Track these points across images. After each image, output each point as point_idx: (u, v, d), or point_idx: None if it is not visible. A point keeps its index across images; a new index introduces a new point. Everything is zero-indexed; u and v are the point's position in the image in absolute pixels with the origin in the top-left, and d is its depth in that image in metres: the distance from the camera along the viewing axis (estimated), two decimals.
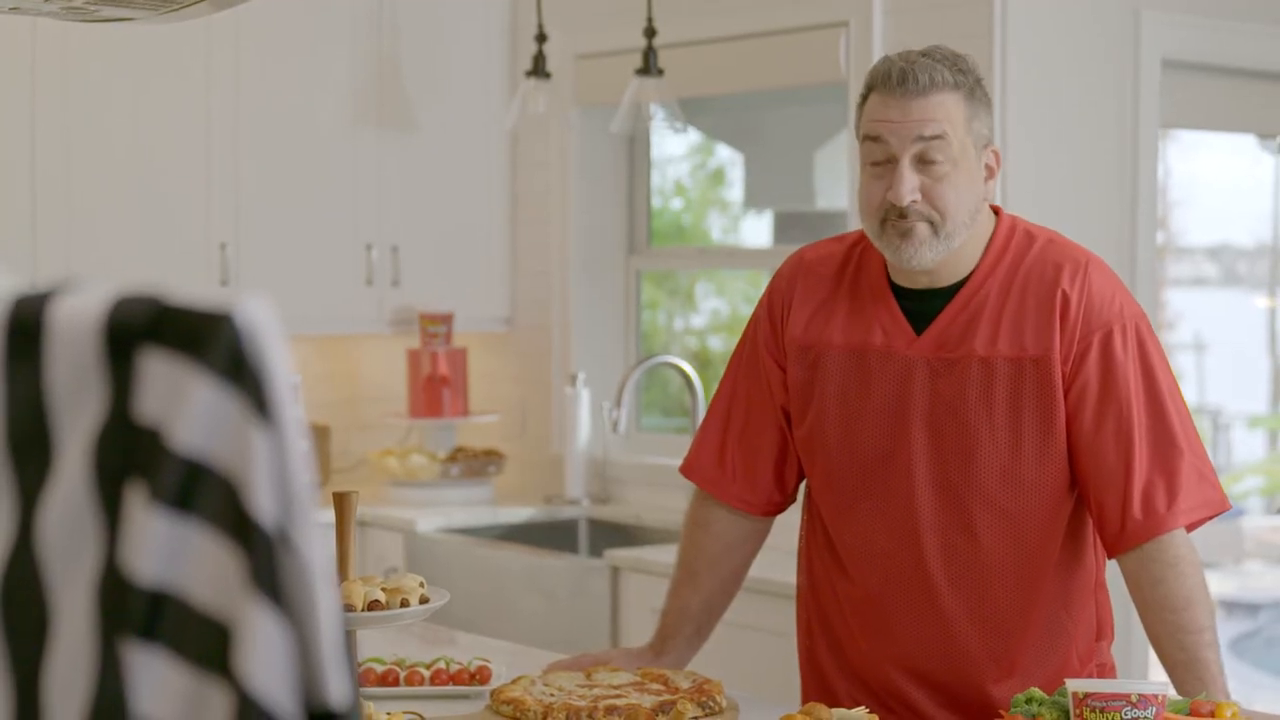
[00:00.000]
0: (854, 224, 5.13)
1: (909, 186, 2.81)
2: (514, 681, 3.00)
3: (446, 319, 6.06)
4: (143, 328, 1.07)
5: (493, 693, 2.97)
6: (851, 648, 3.04)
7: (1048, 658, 2.95)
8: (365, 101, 5.98)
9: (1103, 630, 3.02)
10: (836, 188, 5.72)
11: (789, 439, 3.10)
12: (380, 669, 3.17)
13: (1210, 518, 2.92)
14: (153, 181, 5.62)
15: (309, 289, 5.92)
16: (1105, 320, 2.87)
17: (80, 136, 5.48)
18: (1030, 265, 2.91)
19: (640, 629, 4.92)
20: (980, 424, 2.87)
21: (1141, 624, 2.89)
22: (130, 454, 1.07)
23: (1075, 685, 2.56)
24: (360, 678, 3.13)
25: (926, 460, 2.90)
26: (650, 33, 5.34)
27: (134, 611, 1.07)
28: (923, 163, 2.82)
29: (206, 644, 1.06)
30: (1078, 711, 2.54)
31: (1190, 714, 2.64)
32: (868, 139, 2.86)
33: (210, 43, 5.66)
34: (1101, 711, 2.52)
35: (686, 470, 3.25)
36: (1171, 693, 2.68)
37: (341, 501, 2.65)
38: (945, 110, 2.81)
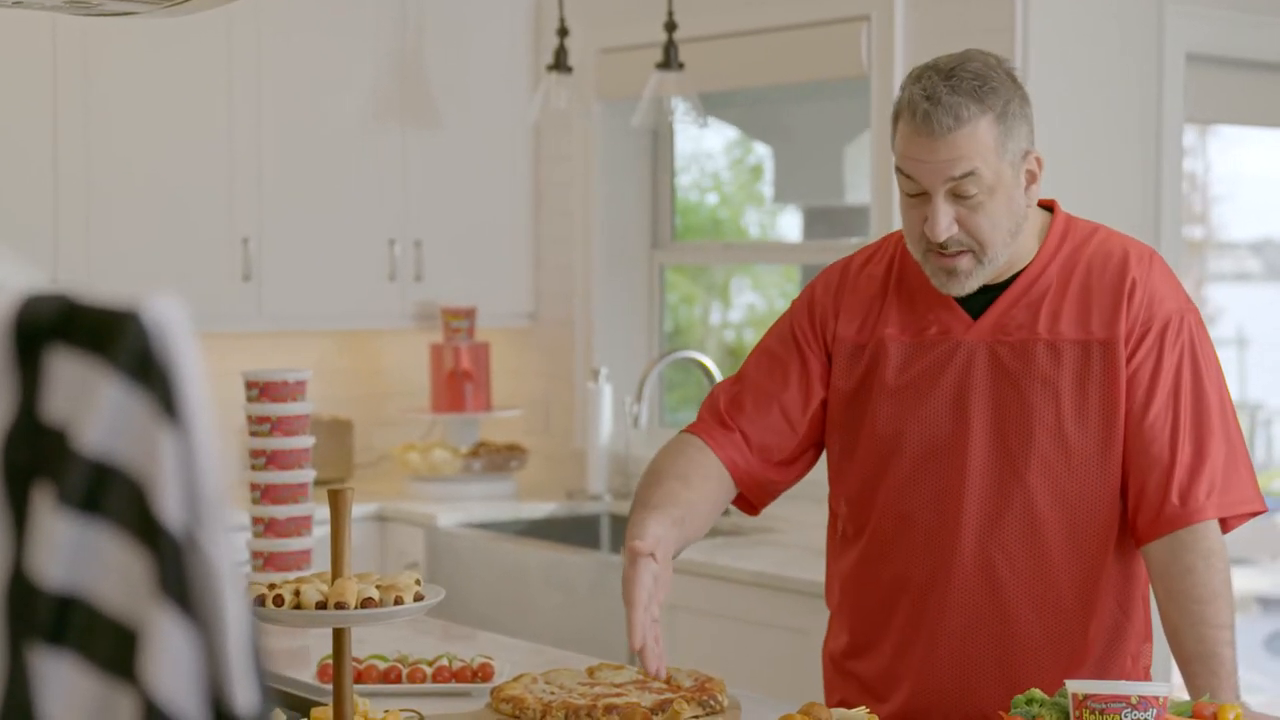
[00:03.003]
0: (881, 218, 5.10)
1: (944, 223, 2.77)
2: (515, 679, 2.99)
3: (469, 314, 6.05)
4: (51, 327, 1.05)
5: (493, 691, 2.96)
6: (891, 652, 2.98)
7: (1111, 651, 2.92)
8: (388, 97, 5.97)
9: (1148, 631, 3.00)
10: (865, 183, 5.68)
11: (791, 435, 3.05)
12: (383, 666, 3.16)
13: (1247, 517, 2.91)
14: (176, 177, 5.62)
15: (332, 284, 5.91)
16: (1165, 311, 2.87)
17: (102, 132, 5.49)
18: (1094, 252, 2.90)
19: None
20: (1045, 406, 2.85)
21: (1160, 614, 2.87)
22: (38, 455, 1.05)
23: (1075, 686, 2.53)
24: (362, 675, 3.12)
25: (988, 445, 2.87)
26: (671, 27, 5.33)
27: (41, 616, 1.05)
28: (957, 196, 2.77)
29: (114, 649, 1.04)
30: (1077, 713, 2.51)
31: (1193, 716, 2.60)
32: (900, 172, 2.82)
33: (233, 38, 5.66)
34: (1101, 713, 2.49)
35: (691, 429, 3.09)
36: (1176, 695, 2.64)
37: (337, 499, 2.63)
38: (974, 144, 2.75)
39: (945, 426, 2.90)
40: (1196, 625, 2.80)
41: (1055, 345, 2.86)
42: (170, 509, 1.03)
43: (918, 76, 2.81)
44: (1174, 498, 2.83)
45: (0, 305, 1.05)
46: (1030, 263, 2.90)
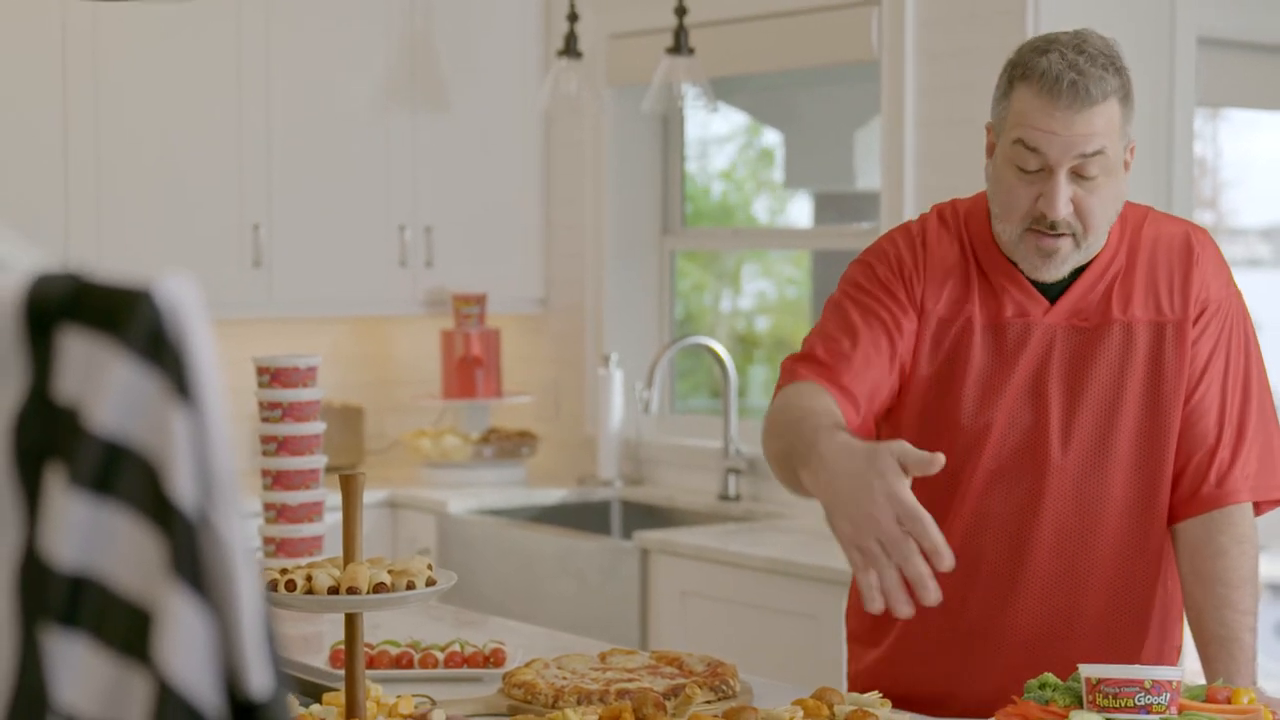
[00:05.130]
0: (891, 204, 5.08)
1: (1064, 200, 2.70)
2: (527, 665, 2.98)
3: (480, 300, 6.04)
4: (62, 306, 1.04)
5: (505, 676, 2.95)
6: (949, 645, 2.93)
7: (1164, 632, 2.92)
8: (398, 82, 5.96)
9: (1180, 610, 2.98)
10: (875, 168, 5.67)
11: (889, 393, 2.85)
12: (395, 651, 3.16)
13: (1278, 503, 2.92)
14: (185, 163, 5.61)
15: (342, 270, 5.91)
16: (1219, 292, 2.87)
17: (112, 118, 5.48)
18: (1156, 233, 2.87)
19: (671, 611, 4.90)
20: (1120, 389, 2.83)
21: (1184, 593, 2.85)
22: (50, 435, 1.05)
23: (1088, 670, 2.52)
24: (374, 660, 3.12)
25: (1065, 429, 2.82)
26: (681, 12, 5.32)
27: (54, 597, 1.04)
28: (1076, 174, 2.70)
29: (128, 630, 1.04)
30: (1090, 697, 2.50)
31: (1207, 700, 2.59)
32: (1021, 144, 2.71)
33: (242, 23, 5.65)
34: (1115, 697, 2.48)
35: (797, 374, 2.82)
36: (1188, 679, 2.64)
37: (349, 484, 2.63)
38: (1106, 121, 2.68)
39: (1025, 414, 2.83)
40: (1221, 608, 2.79)
41: (1130, 327, 2.83)
42: (183, 489, 1.03)
43: (1043, 48, 2.71)
44: (1212, 479, 2.83)
45: (10, 285, 1.05)
46: (1103, 247, 2.85)
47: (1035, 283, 2.84)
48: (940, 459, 2.32)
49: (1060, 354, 2.84)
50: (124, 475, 1.03)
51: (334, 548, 3.46)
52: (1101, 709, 2.48)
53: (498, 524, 5.49)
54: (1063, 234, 2.74)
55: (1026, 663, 2.79)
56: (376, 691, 2.79)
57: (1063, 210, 2.70)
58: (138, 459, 1.04)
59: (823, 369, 2.77)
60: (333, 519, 3.47)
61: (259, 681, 1.03)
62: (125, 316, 1.02)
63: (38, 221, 5.36)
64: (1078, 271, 2.84)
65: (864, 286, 2.88)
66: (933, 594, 2.29)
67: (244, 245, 5.72)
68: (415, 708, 2.79)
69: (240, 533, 1.04)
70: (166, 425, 1.02)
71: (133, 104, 5.52)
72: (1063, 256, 2.76)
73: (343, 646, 3.07)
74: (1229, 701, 2.58)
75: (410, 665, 3.13)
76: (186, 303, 1.02)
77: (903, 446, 2.34)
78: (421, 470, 5.94)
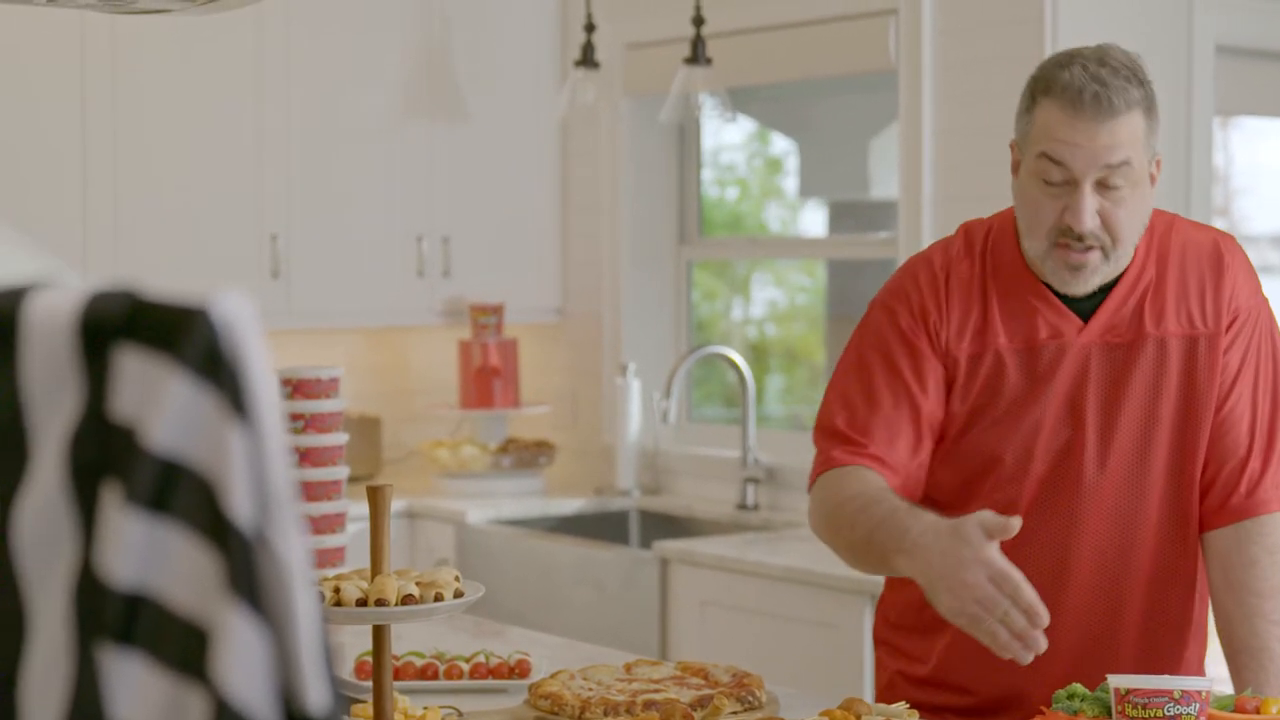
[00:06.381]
0: (909, 213, 5.08)
1: (1090, 212, 2.69)
2: (552, 676, 2.98)
3: (497, 310, 6.05)
4: (118, 324, 1.04)
5: (531, 687, 2.95)
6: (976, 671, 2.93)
7: (1194, 654, 2.92)
8: (415, 92, 5.97)
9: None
10: (890, 177, 5.67)
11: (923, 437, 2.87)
12: (419, 663, 3.15)
13: None
14: (203, 173, 5.62)
15: (360, 280, 5.91)
16: (1254, 302, 2.86)
17: (130, 130, 5.49)
18: (1183, 243, 2.86)
19: (690, 621, 4.90)
20: (1156, 406, 2.82)
21: (1213, 603, 2.85)
22: (106, 453, 1.05)
23: (1117, 681, 2.52)
24: (399, 671, 3.12)
25: (1102, 448, 2.81)
26: (699, 21, 5.32)
27: (110, 614, 1.04)
28: (1102, 186, 2.70)
29: (184, 648, 1.04)
30: (1119, 708, 2.50)
31: (1236, 709, 2.59)
32: (1045, 157, 2.71)
33: (261, 34, 5.66)
34: (1144, 708, 2.48)
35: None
36: (1217, 689, 2.63)
37: (376, 495, 2.63)
38: (1130, 132, 2.68)
39: (1062, 435, 2.82)
40: (1252, 618, 2.78)
41: (1164, 341, 2.82)
42: (240, 507, 1.03)
43: (1065, 63, 2.71)
44: (1243, 489, 2.82)
45: (67, 303, 1.05)
46: (1132, 260, 2.84)
47: (1068, 301, 2.82)
48: (1017, 522, 2.50)
49: (1096, 373, 2.82)
50: (181, 493, 1.03)
51: (355, 559, 3.46)
52: (1130, 719, 2.48)
53: (516, 534, 5.49)
54: (1091, 247, 2.72)
55: (1069, 678, 2.77)
56: (403, 703, 2.79)
57: (1089, 223, 2.70)
58: (194, 477, 1.04)
59: (857, 448, 2.82)
60: (354, 530, 3.47)
61: (317, 698, 1.03)
62: (182, 334, 1.02)
63: (56, 232, 5.36)
64: (1109, 287, 2.82)
65: (886, 340, 2.88)
66: (1040, 644, 2.50)
67: (262, 256, 5.72)
68: (442, 719, 2.79)
69: (298, 550, 1.04)
70: (223, 443, 1.02)
71: (151, 115, 5.53)
72: (1091, 269, 2.75)
73: (368, 658, 3.08)
74: (1258, 711, 2.57)
75: (435, 676, 3.13)
76: (242, 320, 1.02)
77: (983, 516, 2.51)
78: (439, 480, 5.94)
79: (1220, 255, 2.86)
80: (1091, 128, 2.67)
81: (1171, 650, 2.89)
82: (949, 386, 2.85)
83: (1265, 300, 2.91)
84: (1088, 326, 2.83)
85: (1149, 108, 2.72)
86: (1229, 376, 2.83)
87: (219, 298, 1.02)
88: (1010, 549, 2.76)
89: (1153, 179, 2.77)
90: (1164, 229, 2.88)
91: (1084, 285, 2.78)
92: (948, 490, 2.88)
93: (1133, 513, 2.84)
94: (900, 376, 2.85)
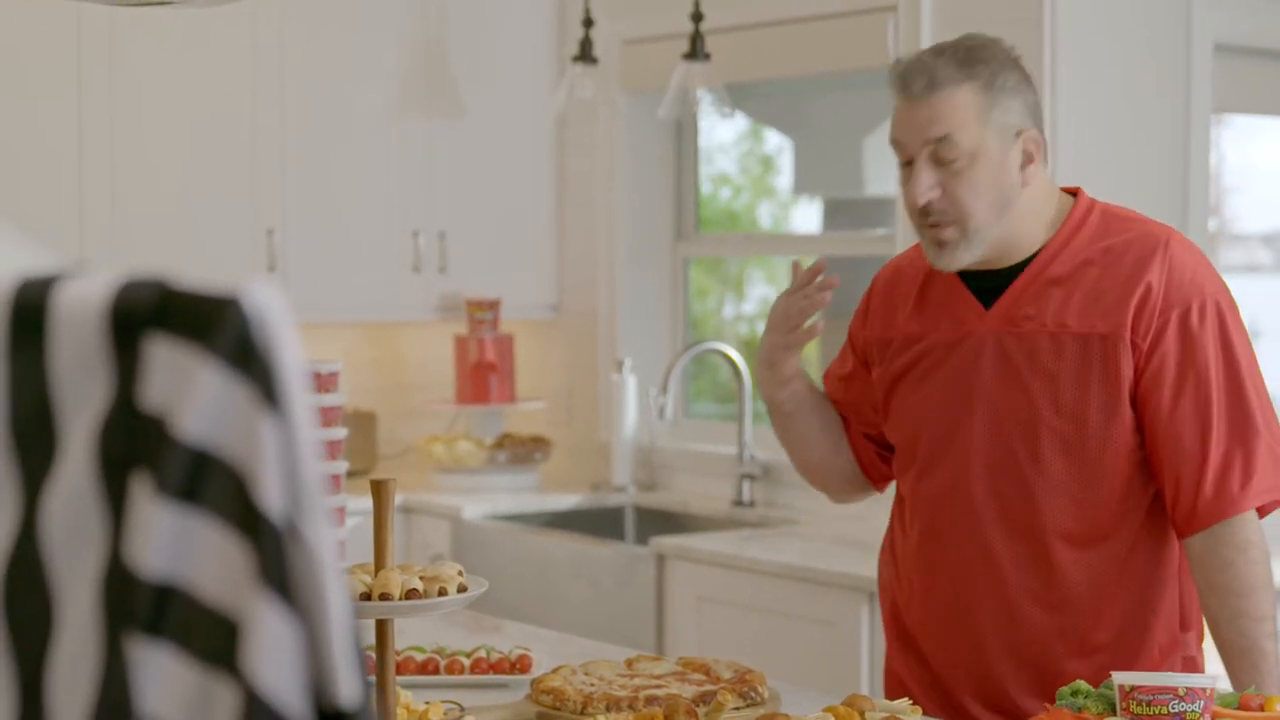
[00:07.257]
0: (904, 210, 5.08)
1: (923, 186, 2.84)
2: (554, 671, 2.98)
3: (493, 305, 6.04)
4: (148, 313, 1.04)
5: (533, 682, 2.94)
6: (926, 646, 3.01)
7: (1132, 642, 2.91)
8: (412, 87, 5.96)
9: (1187, 621, 2.96)
10: (886, 174, 5.66)
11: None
12: (420, 657, 3.15)
13: None
14: (200, 168, 5.61)
15: (356, 275, 5.90)
16: (1185, 297, 2.84)
17: (126, 122, 5.48)
18: (1109, 245, 2.89)
19: (687, 617, 4.89)
20: (1045, 400, 2.86)
21: (1201, 606, 2.87)
22: (135, 443, 1.04)
23: (1121, 678, 2.52)
24: (400, 666, 3.11)
25: (988, 436, 2.90)
26: (697, 17, 5.31)
27: (139, 606, 1.04)
28: (938, 162, 2.84)
29: (214, 640, 1.03)
30: (1124, 704, 2.50)
31: (1240, 707, 2.59)
32: (894, 143, 2.92)
33: (257, 28, 5.65)
34: (1148, 704, 2.48)
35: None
36: (1221, 686, 2.63)
37: (379, 489, 2.62)
38: (951, 108, 2.82)
39: (951, 417, 2.95)
40: (1238, 619, 2.80)
41: (1058, 338, 2.86)
42: (271, 498, 1.02)
43: (904, 55, 2.95)
44: (1208, 490, 2.82)
45: (97, 292, 1.04)
46: (1041, 250, 2.90)
47: (976, 291, 2.94)
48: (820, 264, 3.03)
49: (989, 363, 2.92)
50: (211, 484, 1.03)
51: (354, 553, 3.45)
52: (1135, 716, 2.48)
53: (512, 530, 5.49)
54: (939, 223, 2.86)
55: (979, 655, 2.95)
56: (405, 698, 2.79)
57: (921, 195, 2.85)
58: (225, 468, 1.03)
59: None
60: (352, 524, 3.47)
61: (348, 690, 1.03)
62: (213, 324, 1.01)
63: (53, 226, 5.35)
64: (1013, 278, 2.91)
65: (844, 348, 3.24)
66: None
67: (258, 250, 5.71)
68: (445, 714, 2.79)
69: (329, 542, 1.04)
70: (255, 434, 1.02)
71: (148, 109, 5.52)
72: (951, 242, 2.87)
73: (370, 652, 3.07)
74: (1262, 709, 2.58)
75: (436, 671, 3.13)
76: (274, 310, 1.02)
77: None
78: (434, 476, 5.94)
79: (1143, 258, 2.86)
80: (910, 106, 2.86)
81: (1077, 638, 2.91)
82: (877, 381, 3.11)
83: (1219, 291, 2.88)
84: (988, 315, 2.92)
85: (988, 85, 2.85)
86: (1167, 378, 2.83)
87: (251, 287, 1.02)
88: (928, 527, 3.01)
89: (1029, 156, 2.87)
90: (1098, 230, 2.92)
91: (950, 261, 2.88)
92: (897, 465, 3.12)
93: (1017, 504, 2.91)
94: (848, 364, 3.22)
